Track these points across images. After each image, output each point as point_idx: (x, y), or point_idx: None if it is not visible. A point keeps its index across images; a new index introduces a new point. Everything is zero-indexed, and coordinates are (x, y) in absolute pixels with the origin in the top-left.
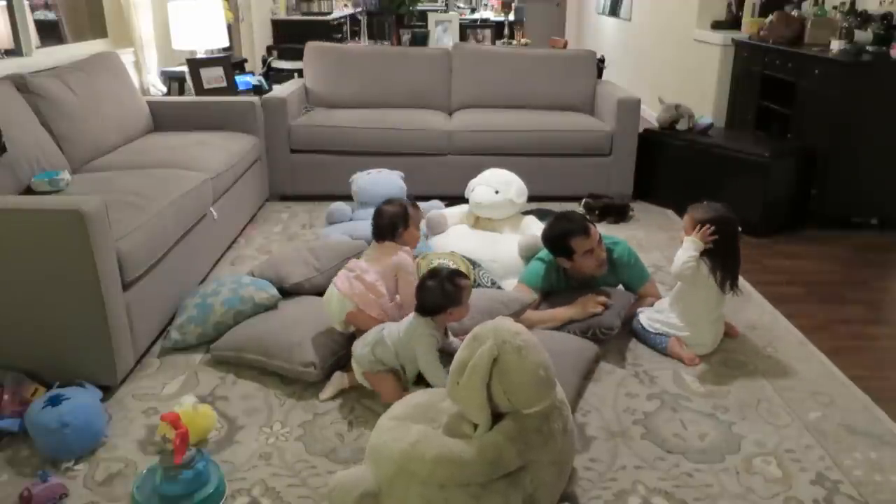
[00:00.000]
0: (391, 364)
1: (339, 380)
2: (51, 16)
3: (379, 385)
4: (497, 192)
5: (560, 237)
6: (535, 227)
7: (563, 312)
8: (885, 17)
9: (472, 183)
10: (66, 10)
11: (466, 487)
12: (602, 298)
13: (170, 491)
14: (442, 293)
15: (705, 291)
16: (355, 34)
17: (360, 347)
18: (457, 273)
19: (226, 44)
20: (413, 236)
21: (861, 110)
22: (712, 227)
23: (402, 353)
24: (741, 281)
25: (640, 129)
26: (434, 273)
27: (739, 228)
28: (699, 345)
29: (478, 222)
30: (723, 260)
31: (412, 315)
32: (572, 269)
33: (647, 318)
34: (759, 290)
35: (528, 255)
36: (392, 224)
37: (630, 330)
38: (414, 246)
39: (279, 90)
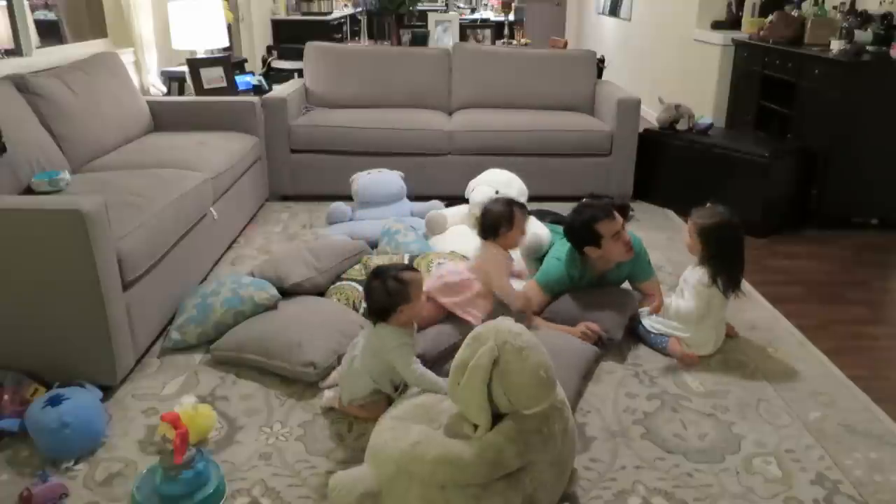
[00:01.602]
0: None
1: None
2: (51, 16)
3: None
4: (497, 193)
5: (587, 223)
6: (535, 228)
7: (562, 328)
8: (885, 17)
9: (473, 183)
10: (66, 10)
11: (466, 488)
12: (595, 328)
13: (170, 491)
14: (386, 293)
15: (712, 299)
16: (355, 34)
17: (361, 389)
18: (404, 268)
19: (226, 44)
20: (514, 239)
21: (861, 110)
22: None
23: (371, 367)
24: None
25: (640, 129)
26: (378, 272)
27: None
28: (701, 346)
29: (477, 222)
30: (727, 266)
31: (370, 326)
32: (600, 258)
33: (649, 319)
34: (759, 290)
35: (529, 255)
36: (495, 224)
37: (631, 330)
38: (514, 248)
39: (279, 90)
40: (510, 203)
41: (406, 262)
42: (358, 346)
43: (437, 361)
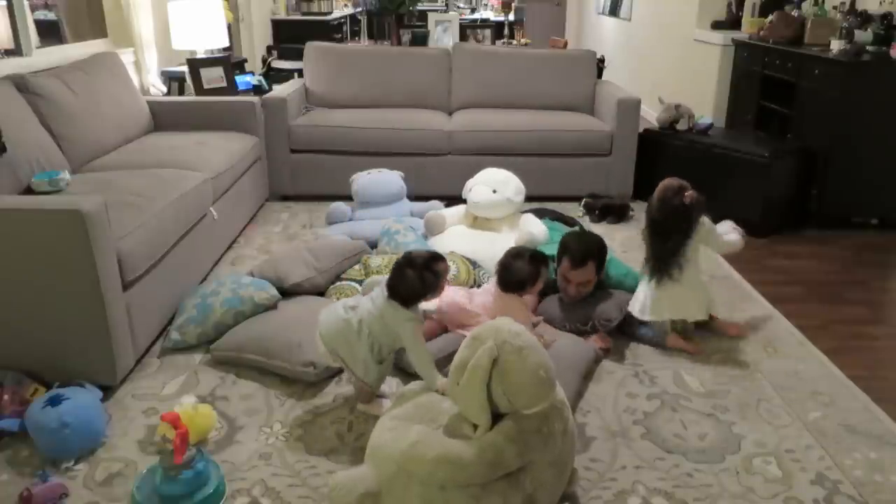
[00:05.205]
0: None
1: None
2: (51, 16)
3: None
4: (494, 192)
5: (563, 247)
6: (530, 226)
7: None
8: (885, 17)
9: (470, 183)
10: (66, 10)
11: (466, 488)
12: (607, 343)
13: (170, 491)
14: (421, 283)
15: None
16: (355, 34)
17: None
18: (434, 258)
19: (226, 44)
20: (533, 294)
21: (861, 110)
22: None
23: (377, 333)
24: (740, 280)
25: (640, 129)
26: (411, 261)
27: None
28: (693, 311)
29: (475, 222)
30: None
31: (384, 300)
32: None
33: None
34: (759, 290)
35: None
36: (521, 283)
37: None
38: (532, 301)
39: (279, 90)
40: (535, 261)
41: None
42: (360, 311)
43: (444, 364)
